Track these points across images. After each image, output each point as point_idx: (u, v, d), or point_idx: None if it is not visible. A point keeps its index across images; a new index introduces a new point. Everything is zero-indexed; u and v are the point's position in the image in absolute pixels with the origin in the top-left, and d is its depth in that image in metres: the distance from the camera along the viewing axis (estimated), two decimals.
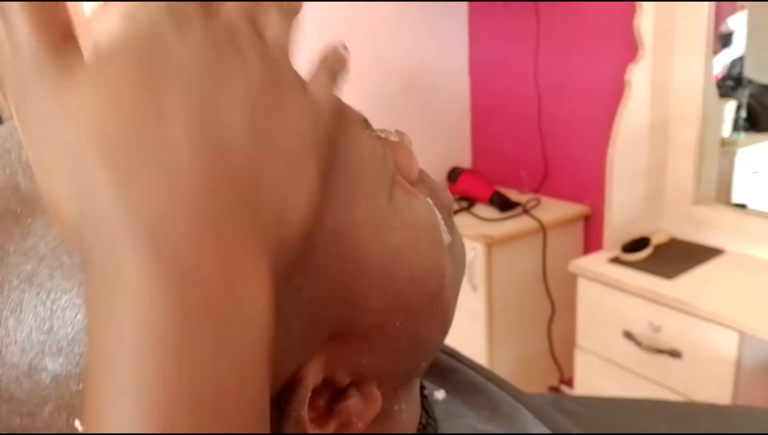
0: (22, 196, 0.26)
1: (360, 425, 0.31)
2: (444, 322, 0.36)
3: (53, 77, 0.22)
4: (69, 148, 0.21)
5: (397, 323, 0.32)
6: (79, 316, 0.25)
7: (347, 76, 0.29)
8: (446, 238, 0.35)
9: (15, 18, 0.23)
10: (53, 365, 0.25)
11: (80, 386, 0.25)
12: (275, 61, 0.25)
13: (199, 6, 0.24)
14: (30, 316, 0.25)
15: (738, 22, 1.60)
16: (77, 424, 0.25)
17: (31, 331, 0.25)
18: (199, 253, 0.21)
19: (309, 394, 0.28)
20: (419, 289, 0.32)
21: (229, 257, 0.21)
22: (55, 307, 0.25)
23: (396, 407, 0.36)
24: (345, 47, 0.29)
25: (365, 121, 0.33)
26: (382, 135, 0.36)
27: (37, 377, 0.25)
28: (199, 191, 0.21)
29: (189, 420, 0.19)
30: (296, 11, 0.27)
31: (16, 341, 0.25)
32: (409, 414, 0.38)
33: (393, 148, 0.35)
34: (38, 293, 0.25)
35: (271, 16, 0.26)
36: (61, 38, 0.23)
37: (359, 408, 0.31)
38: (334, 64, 0.29)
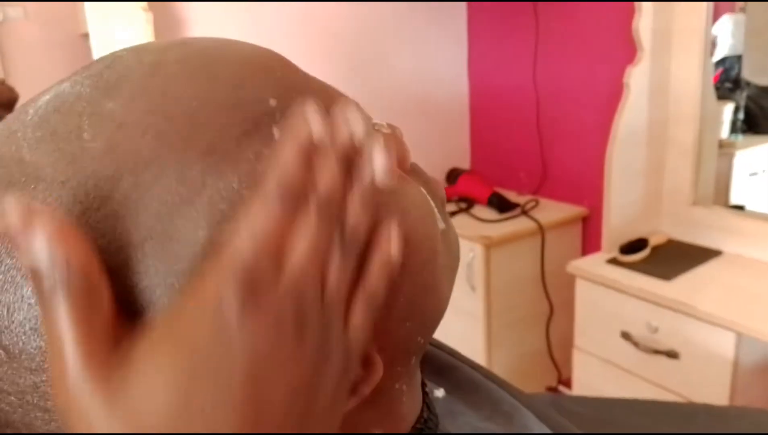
0: (26, 167, 0.27)
1: (365, 389, 0.31)
2: (438, 299, 0.37)
3: (98, 383, 0.23)
4: None
5: (393, 278, 0.32)
6: None
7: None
8: (440, 224, 0.36)
9: (58, 316, 0.23)
10: None
11: None
12: (342, 352, 0.26)
13: (272, 272, 0.24)
14: None
15: (721, 27, 1.61)
16: None
17: None
18: None
19: None
20: (411, 252, 0.33)
21: None
22: None
23: (396, 386, 0.37)
24: (396, 251, 0.29)
25: (356, 106, 0.34)
26: (375, 127, 0.37)
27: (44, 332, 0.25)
28: None
29: None
30: (378, 301, 0.28)
31: (23, 297, 0.26)
32: (410, 399, 0.39)
33: (385, 139, 0.36)
34: None
35: (355, 303, 0.27)
36: (104, 335, 0.24)
37: (361, 373, 0.31)
38: (375, 287, 0.28)
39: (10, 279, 0.26)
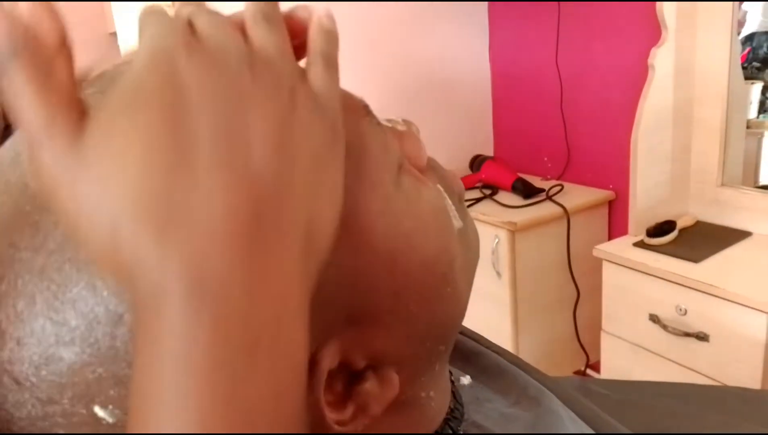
0: (31, 195, 0.27)
1: (377, 408, 0.31)
2: (457, 305, 0.37)
3: (66, 140, 0.23)
4: (99, 206, 0.22)
5: (411, 307, 0.32)
6: (89, 307, 0.25)
7: (339, 50, 0.29)
8: (456, 223, 0.36)
9: (16, 87, 0.23)
10: (68, 354, 0.26)
11: (96, 374, 0.26)
12: (276, 73, 0.26)
13: (190, 39, 0.25)
14: (43, 308, 0.26)
15: (749, 3, 1.57)
16: (96, 409, 0.26)
17: (45, 322, 0.26)
18: (235, 287, 0.22)
19: (325, 377, 0.29)
20: (429, 273, 0.33)
21: (266, 286, 0.23)
22: (65, 299, 0.26)
23: (423, 394, 0.37)
24: (330, 17, 0.29)
25: (366, 107, 0.34)
26: (389, 124, 0.36)
27: (54, 366, 0.26)
28: (229, 229, 0.22)
29: None
30: (278, 19, 0.27)
31: (32, 332, 0.26)
32: (438, 402, 0.39)
33: (400, 136, 0.36)
34: (49, 286, 0.26)
35: (259, 30, 0.26)
36: (66, 99, 0.23)
37: (376, 391, 0.32)
38: (325, 47, 0.28)
39: (19, 315, 0.26)
